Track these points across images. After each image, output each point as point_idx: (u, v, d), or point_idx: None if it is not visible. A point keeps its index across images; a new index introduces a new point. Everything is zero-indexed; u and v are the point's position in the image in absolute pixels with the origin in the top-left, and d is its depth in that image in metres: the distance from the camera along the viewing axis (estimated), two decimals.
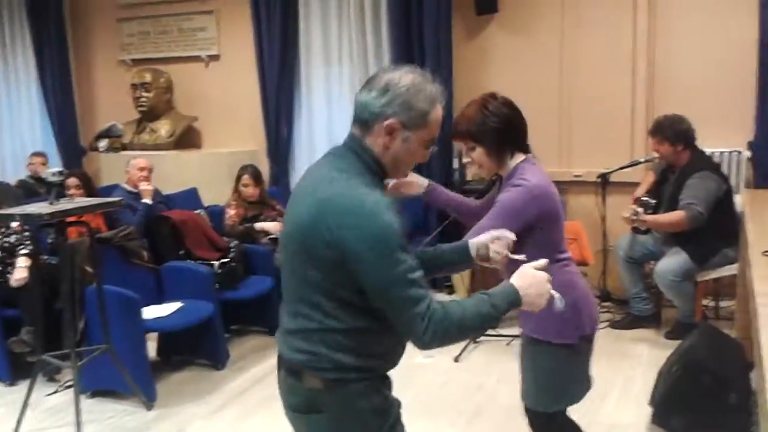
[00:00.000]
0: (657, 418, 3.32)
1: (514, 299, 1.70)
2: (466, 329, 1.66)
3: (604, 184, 5.08)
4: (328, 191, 1.66)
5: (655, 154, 4.66)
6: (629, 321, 4.79)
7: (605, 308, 5.11)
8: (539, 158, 4.94)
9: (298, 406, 1.78)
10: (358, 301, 1.66)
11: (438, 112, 1.73)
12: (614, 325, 4.82)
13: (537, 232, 2.18)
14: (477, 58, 5.82)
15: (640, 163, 4.98)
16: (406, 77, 1.71)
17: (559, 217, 2.27)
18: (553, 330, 2.23)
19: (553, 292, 1.76)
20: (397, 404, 1.82)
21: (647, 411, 3.40)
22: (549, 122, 5.62)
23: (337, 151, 1.81)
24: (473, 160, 2.29)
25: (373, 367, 1.74)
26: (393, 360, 1.81)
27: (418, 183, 2.44)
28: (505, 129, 2.24)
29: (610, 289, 5.22)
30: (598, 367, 4.09)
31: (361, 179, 1.69)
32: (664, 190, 4.58)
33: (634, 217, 4.25)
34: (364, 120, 1.77)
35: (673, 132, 4.42)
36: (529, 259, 1.82)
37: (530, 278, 1.73)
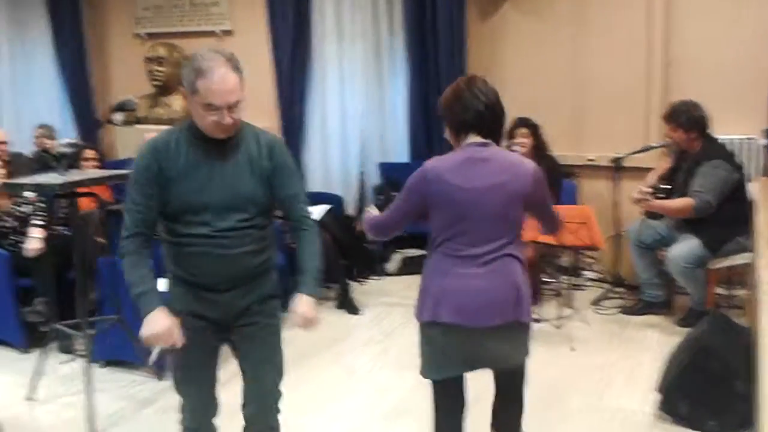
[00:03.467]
0: (664, 405, 3.32)
1: (141, 309, 2.21)
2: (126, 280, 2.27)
3: (617, 168, 5.04)
4: None
5: (669, 140, 4.63)
6: (641, 307, 4.78)
7: (617, 294, 5.10)
8: (552, 141, 5.00)
9: None
10: None
11: (202, 82, 2.09)
12: (625, 310, 4.81)
13: (430, 211, 2.34)
14: (491, 38, 5.77)
15: (653, 148, 4.94)
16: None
17: (447, 204, 2.29)
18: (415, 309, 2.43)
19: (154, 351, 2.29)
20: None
21: (654, 397, 3.41)
22: (562, 105, 5.58)
23: None
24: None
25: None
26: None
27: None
28: (447, 111, 2.39)
29: (622, 274, 5.20)
30: (607, 351, 4.16)
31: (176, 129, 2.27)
32: (678, 176, 4.55)
33: (640, 197, 4.25)
34: None
35: (688, 118, 4.39)
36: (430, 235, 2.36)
37: (156, 321, 2.17)
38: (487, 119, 2.31)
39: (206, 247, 2.21)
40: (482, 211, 2.27)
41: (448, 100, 2.36)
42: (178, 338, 2.19)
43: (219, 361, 2.44)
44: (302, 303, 2.27)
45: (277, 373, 2.44)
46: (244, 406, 2.45)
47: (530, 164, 2.36)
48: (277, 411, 2.48)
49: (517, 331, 2.34)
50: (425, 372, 2.41)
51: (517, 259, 2.33)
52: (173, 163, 2.20)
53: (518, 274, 2.32)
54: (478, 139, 2.31)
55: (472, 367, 2.39)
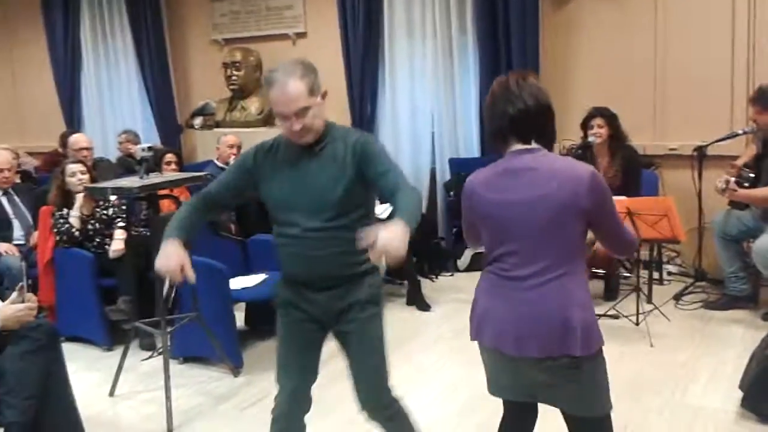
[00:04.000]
0: (747, 403, 3.17)
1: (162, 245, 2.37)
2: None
3: (700, 157, 4.81)
4: None
5: (755, 125, 4.40)
6: (725, 301, 4.57)
7: (700, 288, 4.89)
8: (632, 131, 4.84)
9: None
10: None
11: (271, 93, 2.24)
12: (708, 305, 4.62)
13: (479, 227, 2.17)
14: (566, 27, 5.64)
15: (738, 135, 4.71)
16: None
17: (487, 221, 2.10)
18: None
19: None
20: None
21: (738, 395, 3.24)
22: (643, 93, 5.40)
23: None
24: None
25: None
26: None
27: None
28: (485, 118, 2.24)
29: (705, 267, 4.98)
30: (689, 348, 4.01)
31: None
32: (765, 164, 4.32)
33: (724, 187, 4.07)
34: None
35: None
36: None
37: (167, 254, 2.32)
38: (523, 123, 2.05)
39: (297, 247, 2.32)
40: (525, 227, 2.01)
41: (486, 107, 2.18)
42: (189, 274, 2.32)
43: (317, 355, 2.48)
44: (390, 225, 1.95)
45: (381, 360, 2.44)
46: (356, 391, 2.45)
47: (585, 169, 2.02)
48: (389, 390, 2.45)
49: (571, 369, 1.99)
50: (487, 386, 2.26)
51: (575, 282, 2.02)
52: (269, 164, 2.36)
53: (571, 302, 1.99)
54: (520, 146, 2.07)
55: (529, 395, 2.16)
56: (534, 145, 2.07)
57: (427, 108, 6.19)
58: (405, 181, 2.26)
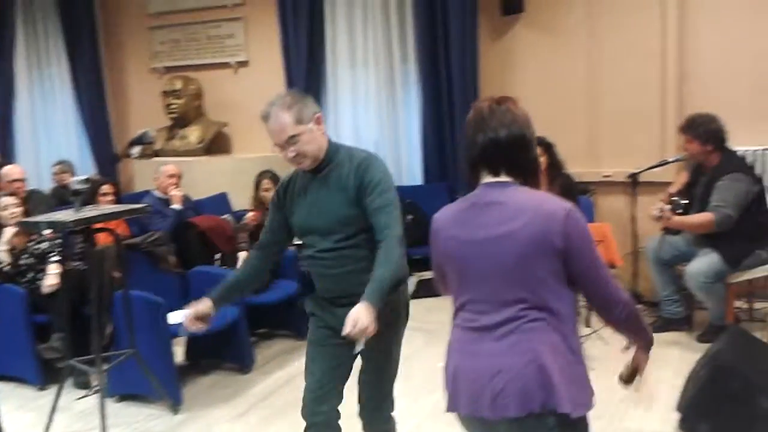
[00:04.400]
0: (684, 425, 3.25)
1: None
2: None
3: (634, 184, 4.97)
4: None
5: (685, 153, 4.57)
6: (660, 324, 4.68)
7: None
8: (568, 158, 4.97)
9: None
10: None
11: (266, 126, 2.40)
12: None
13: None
14: (503, 59, 5.78)
15: (669, 162, 4.89)
16: None
17: (450, 263, 1.92)
18: None
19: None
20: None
21: (675, 417, 3.32)
22: (577, 122, 5.55)
23: None
24: None
25: None
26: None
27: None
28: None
29: (641, 291, 5.11)
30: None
31: None
32: (696, 191, 4.48)
33: (660, 215, 4.20)
34: None
35: (704, 131, 4.33)
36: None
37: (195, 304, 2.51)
38: (493, 154, 1.85)
39: (315, 267, 2.51)
40: (489, 268, 1.81)
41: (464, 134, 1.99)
42: (199, 327, 2.56)
43: (340, 361, 2.54)
44: (356, 308, 2.16)
45: (384, 376, 2.60)
46: (359, 402, 2.65)
47: (559, 205, 1.81)
48: (388, 408, 2.65)
49: (554, 427, 1.76)
50: None
51: (550, 327, 1.79)
52: (289, 196, 2.54)
53: (545, 349, 1.77)
54: (491, 178, 1.88)
55: None
56: (504, 177, 1.86)
57: (371, 136, 6.23)
58: (394, 227, 2.34)
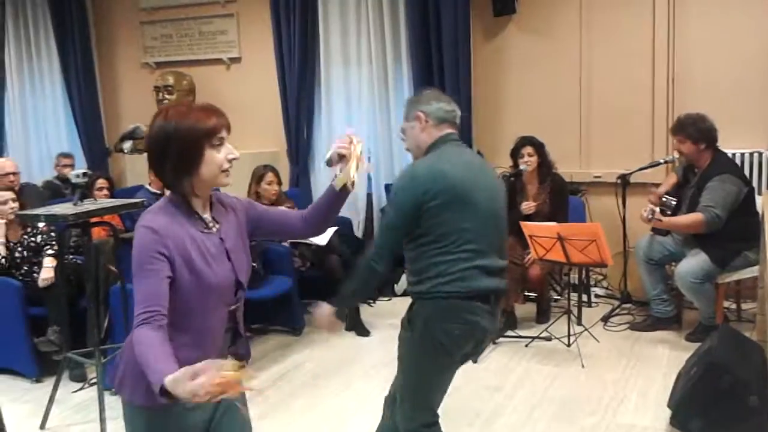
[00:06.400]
0: (676, 421, 3.32)
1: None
2: None
3: (624, 185, 5.05)
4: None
5: (676, 155, 4.65)
6: (650, 323, 4.77)
7: (626, 309, 5.10)
8: (559, 159, 5.04)
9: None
10: None
11: None
12: (635, 326, 4.81)
13: None
14: (495, 59, 5.83)
15: (660, 164, 4.96)
16: None
17: None
18: None
19: None
20: None
21: (666, 413, 3.40)
22: (568, 123, 5.62)
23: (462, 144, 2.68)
24: None
25: None
26: None
27: None
28: None
29: (631, 290, 5.20)
30: (618, 368, 4.15)
31: None
32: (686, 192, 4.56)
33: (650, 216, 4.27)
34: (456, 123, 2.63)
35: (696, 130, 4.40)
36: None
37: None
38: None
39: None
40: None
41: None
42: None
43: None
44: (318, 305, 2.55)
45: (400, 379, 2.63)
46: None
47: None
48: (401, 410, 2.62)
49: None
50: None
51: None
52: None
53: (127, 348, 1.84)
54: None
55: None
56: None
57: (363, 134, 6.25)
58: (371, 248, 2.50)
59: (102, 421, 3.39)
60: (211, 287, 1.82)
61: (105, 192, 5.02)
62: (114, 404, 3.81)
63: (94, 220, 3.80)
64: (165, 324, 1.69)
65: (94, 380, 3.75)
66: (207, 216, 1.90)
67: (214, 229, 1.89)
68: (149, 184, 5.39)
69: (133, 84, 7.30)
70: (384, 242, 2.47)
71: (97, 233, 4.31)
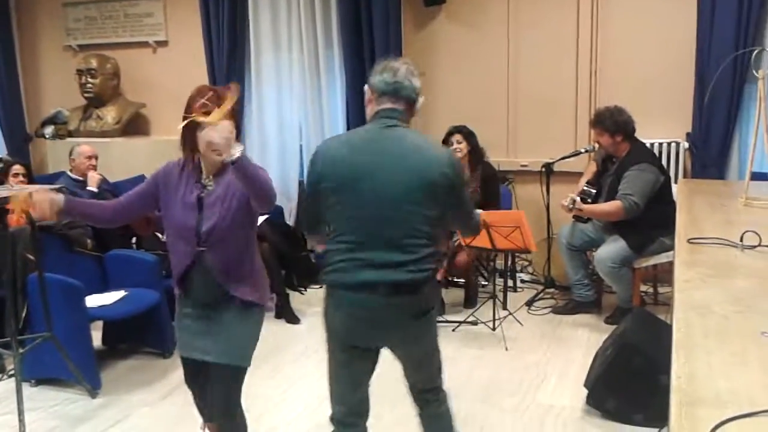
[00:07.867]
0: (592, 400, 3.45)
1: None
2: None
3: (548, 173, 5.19)
4: (438, 151, 2.41)
5: (597, 145, 4.80)
6: (571, 306, 4.92)
7: (549, 294, 5.25)
8: (488, 148, 5.13)
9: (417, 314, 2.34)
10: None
11: None
12: (556, 310, 4.96)
13: None
14: (426, 49, 5.87)
15: (580, 153, 5.11)
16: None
17: None
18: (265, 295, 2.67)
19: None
20: None
21: (584, 393, 3.52)
22: (497, 113, 5.72)
23: (400, 127, 2.38)
24: None
25: None
26: None
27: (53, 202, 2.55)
28: None
29: (554, 276, 5.35)
30: (540, 350, 4.28)
31: None
32: (605, 180, 4.71)
33: (571, 206, 4.40)
34: (412, 100, 2.41)
35: (613, 123, 4.55)
36: None
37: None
38: None
39: None
40: None
41: None
42: None
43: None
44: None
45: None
46: None
47: None
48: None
49: None
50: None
51: None
52: None
53: None
54: None
55: None
56: None
57: (295, 121, 6.22)
58: None
59: (20, 413, 3.29)
60: (176, 225, 2.53)
61: (21, 179, 4.84)
62: (33, 396, 3.75)
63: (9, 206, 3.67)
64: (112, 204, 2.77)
65: (12, 371, 3.64)
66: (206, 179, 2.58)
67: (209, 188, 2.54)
68: (70, 171, 5.23)
69: (55, 67, 7.07)
70: (302, 222, 2.55)
71: (15, 221, 4.17)
